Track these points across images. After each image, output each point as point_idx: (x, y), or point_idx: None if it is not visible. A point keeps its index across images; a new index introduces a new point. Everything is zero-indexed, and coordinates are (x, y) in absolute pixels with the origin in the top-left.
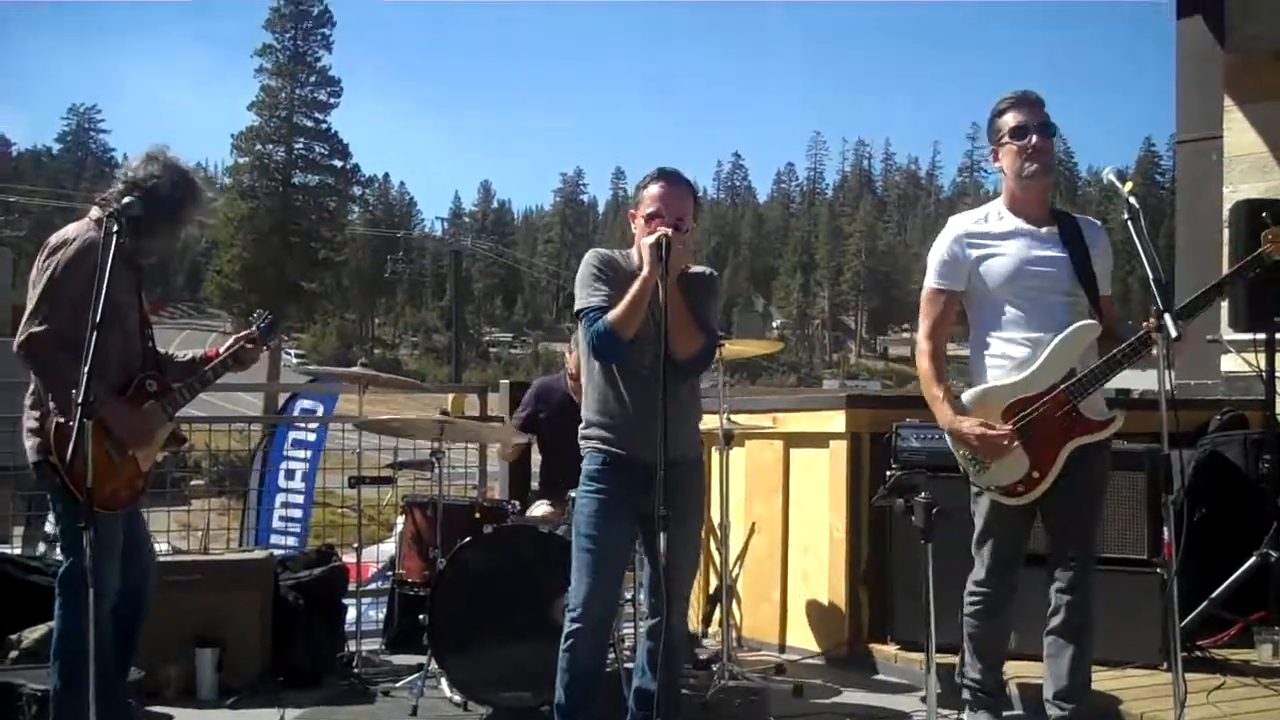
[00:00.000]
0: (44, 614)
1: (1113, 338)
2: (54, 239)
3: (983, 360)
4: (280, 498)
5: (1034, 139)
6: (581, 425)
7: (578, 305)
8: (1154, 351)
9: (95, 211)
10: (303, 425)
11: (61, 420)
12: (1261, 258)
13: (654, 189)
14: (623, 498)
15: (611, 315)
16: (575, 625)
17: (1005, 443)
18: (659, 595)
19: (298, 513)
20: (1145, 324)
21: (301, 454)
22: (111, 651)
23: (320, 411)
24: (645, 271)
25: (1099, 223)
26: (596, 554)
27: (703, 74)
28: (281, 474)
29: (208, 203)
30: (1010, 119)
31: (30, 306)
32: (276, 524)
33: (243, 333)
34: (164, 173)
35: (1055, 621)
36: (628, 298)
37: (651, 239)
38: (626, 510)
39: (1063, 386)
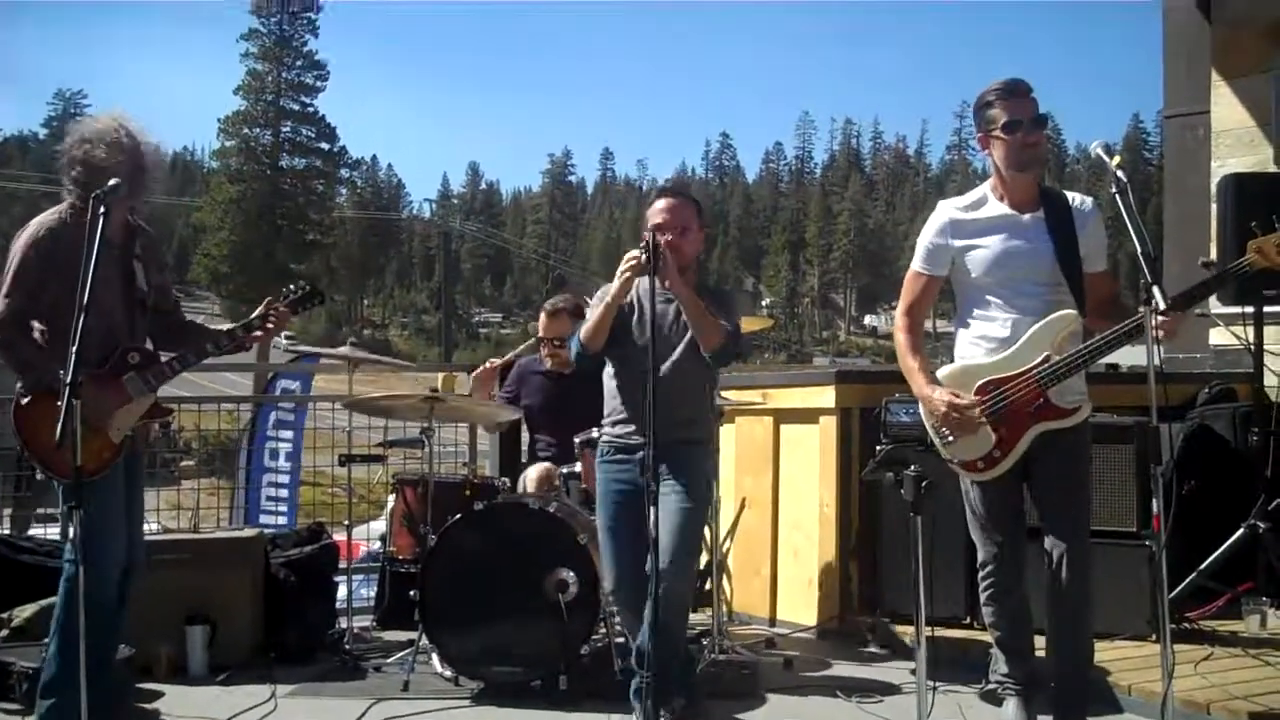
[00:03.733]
0: (34, 593)
1: (1108, 317)
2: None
3: (964, 339)
4: (267, 477)
5: (1027, 135)
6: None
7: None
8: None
9: (68, 198)
10: (284, 406)
11: (25, 401)
12: (1244, 267)
13: (657, 204)
14: (633, 481)
15: (581, 333)
16: (615, 605)
17: (972, 414)
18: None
19: (285, 492)
20: (1132, 318)
21: (285, 434)
22: (108, 627)
23: (298, 391)
24: (614, 287)
25: (1090, 200)
26: (616, 536)
27: (691, 54)
28: (266, 454)
29: (151, 147)
30: (1002, 112)
31: None
32: (265, 504)
33: (271, 302)
34: (106, 131)
35: (1052, 597)
36: (592, 316)
37: (637, 250)
38: (638, 492)
39: (1035, 371)
